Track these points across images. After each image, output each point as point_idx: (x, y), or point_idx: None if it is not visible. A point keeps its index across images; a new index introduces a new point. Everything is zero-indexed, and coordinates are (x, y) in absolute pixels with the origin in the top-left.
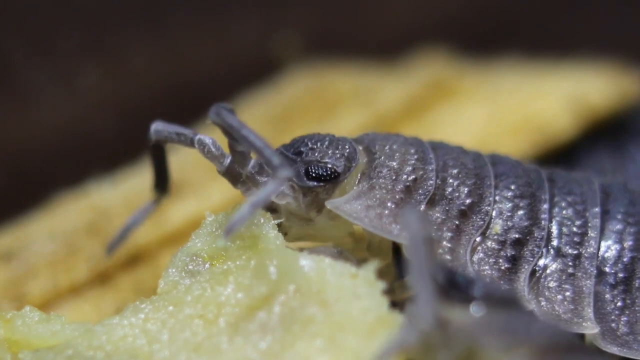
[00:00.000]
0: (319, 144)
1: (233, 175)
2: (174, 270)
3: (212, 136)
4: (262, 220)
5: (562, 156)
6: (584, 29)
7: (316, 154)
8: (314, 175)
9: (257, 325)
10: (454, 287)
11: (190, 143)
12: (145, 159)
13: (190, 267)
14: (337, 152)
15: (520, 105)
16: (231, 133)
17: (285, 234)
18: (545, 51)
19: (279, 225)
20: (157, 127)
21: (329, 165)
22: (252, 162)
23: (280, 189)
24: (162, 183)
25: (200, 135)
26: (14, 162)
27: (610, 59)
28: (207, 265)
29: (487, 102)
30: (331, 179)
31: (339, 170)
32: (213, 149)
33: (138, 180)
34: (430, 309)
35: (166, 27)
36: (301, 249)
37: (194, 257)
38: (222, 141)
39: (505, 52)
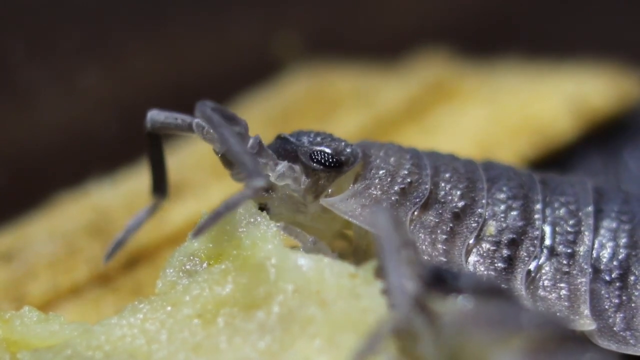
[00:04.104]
0: (322, 137)
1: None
2: (171, 270)
3: None
4: (259, 219)
5: (562, 158)
6: (584, 31)
7: (322, 144)
8: (319, 158)
9: (256, 325)
10: (441, 279)
11: (188, 128)
12: (146, 159)
13: (187, 267)
14: (341, 145)
15: (520, 106)
16: (212, 131)
17: (266, 210)
18: (545, 53)
19: (264, 206)
20: (153, 115)
21: (334, 153)
22: (250, 142)
23: (251, 197)
24: (160, 185)
25: (197, 119)
26: (14, 162)
27: (611, 61)
28: (204, 265)
29: (487, 103)
30: (335, 166)
31: (343, 159)
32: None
33: (138, 180)
34: (405, 298)
35: (166, 27)
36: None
37: (192, 257)
38: None
39: (506, 53)
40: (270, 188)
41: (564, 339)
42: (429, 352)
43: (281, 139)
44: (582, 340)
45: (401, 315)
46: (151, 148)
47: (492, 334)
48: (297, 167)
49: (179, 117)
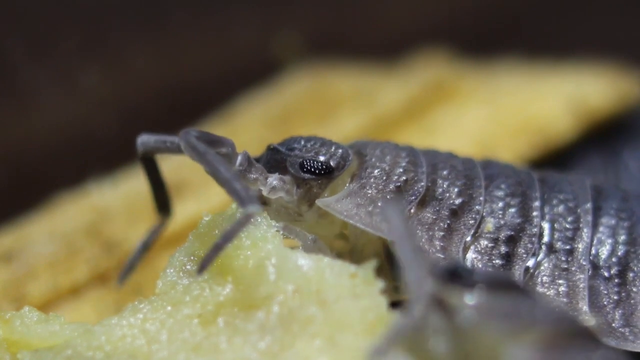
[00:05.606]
0: (311, 143)
1: None
2: (171, 270)
3: None
4: (259, 220)
5: (562, 158)
6: (584, 31)
7: (311, 151)
8: (308, 168)
9: (256, 325)
10: (455, 276)
11: (178, 149)
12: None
13: (188, 267)
14: (331, 150)
15: (520, 106)
16: (199, 161)
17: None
18: (545, 53)
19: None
20: (143, 139)
21: (323, 160)
22: (239, 160)
23: (247, 225)
24: (163, 205)
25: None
26: (14, 162)
27: (610, 61)
28: None
29: (487, 103)
30: (325, 174)
31: (333, 165)
32: None
33: (138, 180)
34: (423, 294)
35: (166, 27)
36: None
37: (192, 257)
38: None
39: (505, 53)
40: (264, 202)
41: (577, 334)
42: (443, 347)
43: (271, 150)
44: (595, 336)
45: (420, 312)
46: (147, 171)
47: (505, 327)
48: (287, 178)
49: (168, 140)
